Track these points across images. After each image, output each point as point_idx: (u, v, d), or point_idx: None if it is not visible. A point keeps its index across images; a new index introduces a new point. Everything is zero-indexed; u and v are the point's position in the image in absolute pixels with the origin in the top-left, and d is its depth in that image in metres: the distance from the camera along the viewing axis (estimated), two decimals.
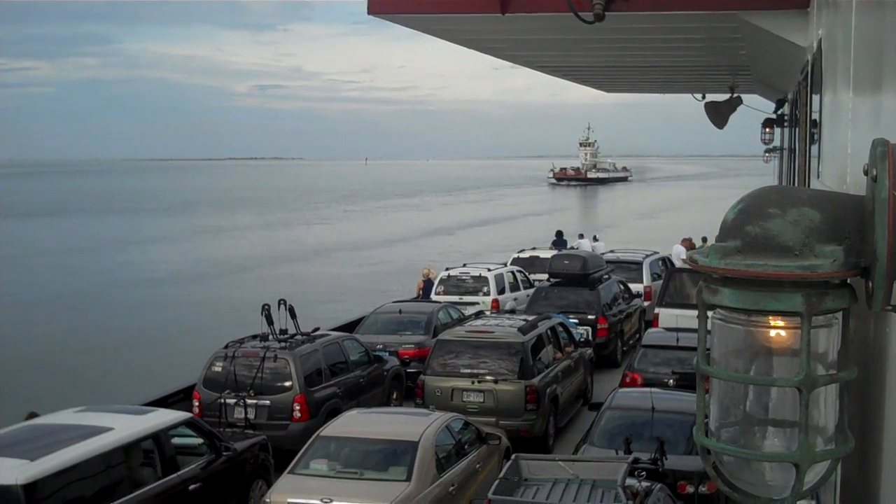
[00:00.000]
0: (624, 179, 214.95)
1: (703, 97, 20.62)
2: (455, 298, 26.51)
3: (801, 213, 2.38)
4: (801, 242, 2.35)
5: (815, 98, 8.15)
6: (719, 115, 19.76)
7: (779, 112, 20.35)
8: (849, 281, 2.45)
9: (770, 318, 2.41)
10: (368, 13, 10.41)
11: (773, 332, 2.43)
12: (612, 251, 33.72)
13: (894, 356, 2.64)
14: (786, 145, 19.24)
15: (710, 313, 2.59)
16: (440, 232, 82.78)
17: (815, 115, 8.17)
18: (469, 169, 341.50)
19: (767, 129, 22.38)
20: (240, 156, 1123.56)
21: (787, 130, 18.68)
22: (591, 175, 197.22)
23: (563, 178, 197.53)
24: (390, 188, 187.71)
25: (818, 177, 7.59)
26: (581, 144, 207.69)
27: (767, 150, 27.48)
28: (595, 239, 41.94)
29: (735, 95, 19.99)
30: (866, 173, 2.35)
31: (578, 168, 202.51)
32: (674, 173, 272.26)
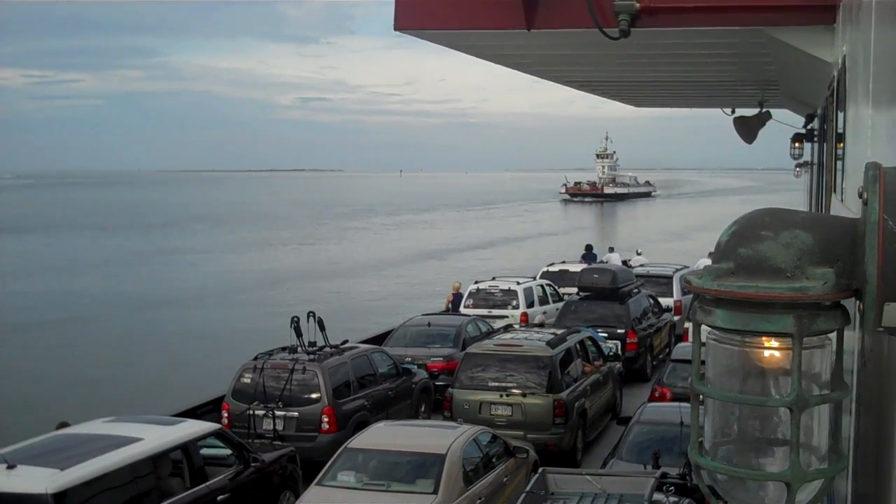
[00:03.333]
0: (647, 195, 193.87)
1: (733, 111, 20.58)
2: (484, 312, 26.54)
3: (793, 235, 2.41)
4: (792, 265, 2.39)
5: (841, 114, 8.15)
6: (748, 129, 19.72)
7: (808, 127, 20.28)
8: (842, 302, 2.49)
9: (763, 338, 2.46)
10: (395, 29, 10.49)
11: (766, 353, 2.47)
12: (642, 265, 33.67)
13: None
14: (815, 161, 19.18)
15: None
16: (432, 256, 74.23)
17: (841, 131, 8.17)
18: (503, 181, 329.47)
19: (797, 144, 22.29)
20: (280, 168, 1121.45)
21: (816, 146, 18.63)
22: (608, 190, 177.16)
23: (576, 194, 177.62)
24: (411, 202, 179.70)
25: (841, 193, 7.58)
26: (598, 156, 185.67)
27: (798, 166, 27.42)
28: (638, 253, 41.71)
29: (764, 110, 19.96)
30: (860, 196, 2.40)
31: (594, 182, 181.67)
32: (710, 188, 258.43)
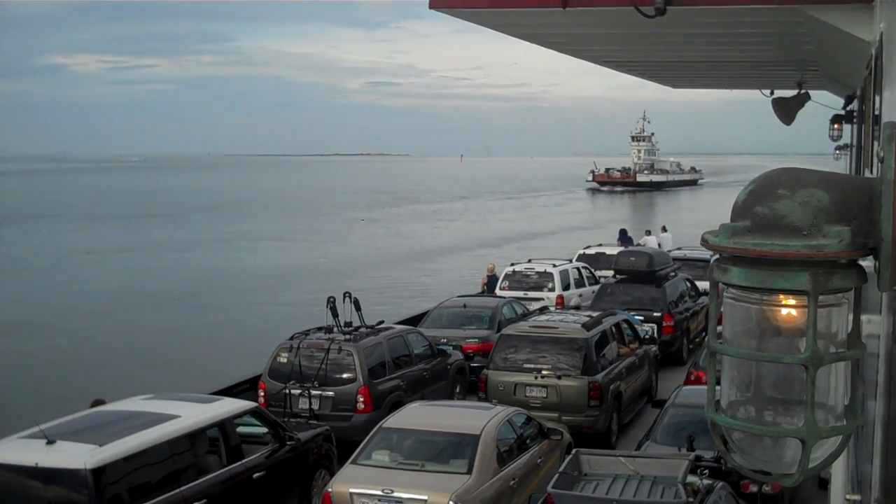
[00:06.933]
0: (692, 183, 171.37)
1: (772, 93, 20.39)
2: (520, 294, 26.57)
3: (809, 193, 2.43)
4: (808, 223, 2.41)
5: (877, 94, 8.07)
6: (786, 111, 19.53)
7: (847, 108, 20.08)
8: (859, 261, 2.50)
9: (780, 296, 2.47)
10: (430, 7, 10.49)
11: (782, 311, 2.49)
12: (679, 248, 33.54)
13: None
14: (855, 143, 19.00)
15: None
16: (422, 258, 63.92)
17: (878, 112, 8.09)
18: (563, 166, 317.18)
19: (836, 126, 22.06)
20: (346, 152, 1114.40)
21: (855, 127, 18.46)
22: (641, 178, 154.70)
23: (606, 182, 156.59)
24: (458, 188, 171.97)
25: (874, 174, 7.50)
26: (633, 139, 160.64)
27: (837, 148, 27.15)
28: (664, 229, 41.74)
29: (803, 91, 19.76)
30: (878, 156, 2.40)
31: (628, 169, 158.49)
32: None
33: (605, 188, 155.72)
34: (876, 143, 8.44)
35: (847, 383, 2.59)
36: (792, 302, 2.47)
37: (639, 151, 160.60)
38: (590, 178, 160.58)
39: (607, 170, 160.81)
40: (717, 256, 2.59)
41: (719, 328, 2.70)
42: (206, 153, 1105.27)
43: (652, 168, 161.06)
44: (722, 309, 2.64)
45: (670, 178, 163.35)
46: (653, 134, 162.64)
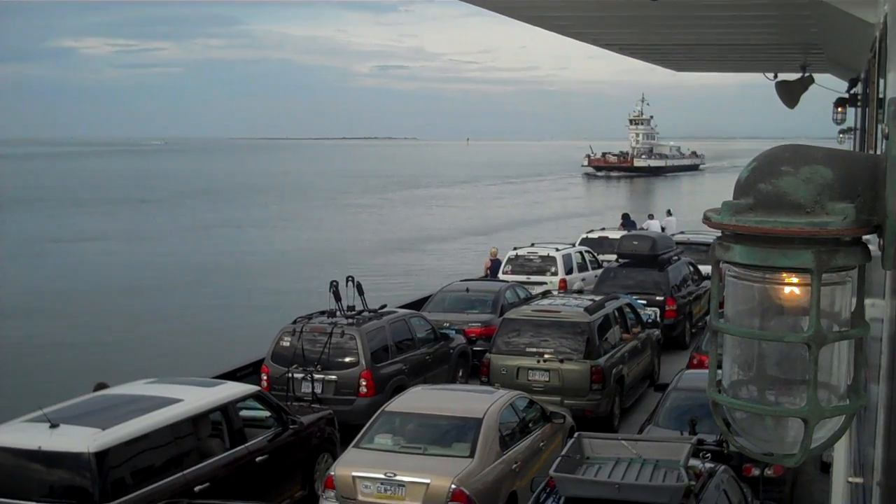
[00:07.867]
0: (694, 168, 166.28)
1: (775, 76, 20.33)
2: (522, 278, 26.54)
3: (813, 170, 2.40)
4: (812, 200, 2.38)
5: (882, 77, 8.03)
6: (790, 94, 19.48)
7: (851, 91, 20.02)
8: (863, 239, 2.47)
9: (783, 274, 2.45)
10: None
11: (785, 289, 2.46)
12: (682, 232, 33.52)
13: None
14: (859, 126, 18.95)
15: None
16: (407, 246, 60.87)
17: (882, 95, 8.05)
18: (568, 150, 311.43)
19: (839, 109, 21.98)
20: (354, 135, 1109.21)
21: (859, 110, 18.41)
22: (639, 163, 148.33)
23: (602, 167, 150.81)
24: (460, 172, 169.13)
25: None
26: (631, 122, 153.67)
27: (841, 131, 27.08)
28: (669, 213, 41.71)
29: (806, 74, 19.69)
30: (884, 133, 2.38)
31: (625, 154, 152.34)
32: None
33: (600, 173, 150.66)
34: (880, 126, 8.41)
35: (850, 363, 2.57)
36: (795, 280, 2.45)
37: (637, 135, 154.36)
38: (585, 162, 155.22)
39: (604, 154, 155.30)
40: (719, 234, 2.56)
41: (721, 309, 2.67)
42: (215, 137, 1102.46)
43: (650, 152, 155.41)
44: (724, 288, 2.62)
45: (669, 162, 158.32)
46: (652, 117, 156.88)
